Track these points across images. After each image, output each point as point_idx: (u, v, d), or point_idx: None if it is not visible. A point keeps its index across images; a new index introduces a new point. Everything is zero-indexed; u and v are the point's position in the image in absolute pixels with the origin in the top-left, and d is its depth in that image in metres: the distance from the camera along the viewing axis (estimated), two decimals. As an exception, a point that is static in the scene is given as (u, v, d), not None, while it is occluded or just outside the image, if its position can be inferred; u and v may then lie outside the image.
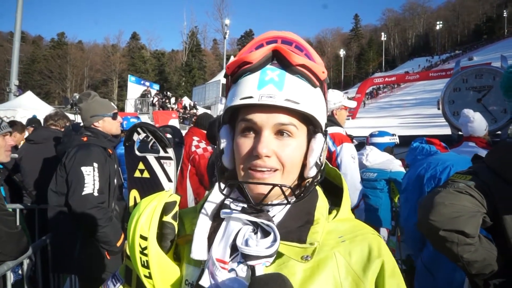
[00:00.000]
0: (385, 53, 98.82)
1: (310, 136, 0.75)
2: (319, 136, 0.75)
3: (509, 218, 1.27)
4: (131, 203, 0.91)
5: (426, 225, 1.31)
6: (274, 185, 0.69)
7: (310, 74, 0.71)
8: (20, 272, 2.39)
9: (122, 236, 2.49)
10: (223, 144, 0.77)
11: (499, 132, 5.27)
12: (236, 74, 0.73)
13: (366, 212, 4.12)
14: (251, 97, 0.69)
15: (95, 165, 2.41)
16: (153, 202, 0.75)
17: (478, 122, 3.16)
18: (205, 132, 3.69)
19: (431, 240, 1.37)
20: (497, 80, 5.44)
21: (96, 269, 2.46)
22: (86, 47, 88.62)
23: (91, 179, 2.35)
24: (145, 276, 0.73)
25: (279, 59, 0.71)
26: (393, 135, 4.49)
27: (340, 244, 0.73)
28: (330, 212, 0.80)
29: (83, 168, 2.36)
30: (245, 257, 0.68)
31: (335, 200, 0.83)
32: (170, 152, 0.85)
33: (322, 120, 0.74)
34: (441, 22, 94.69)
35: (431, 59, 79.25)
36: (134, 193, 0.92)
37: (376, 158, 4.17)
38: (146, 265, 0.72)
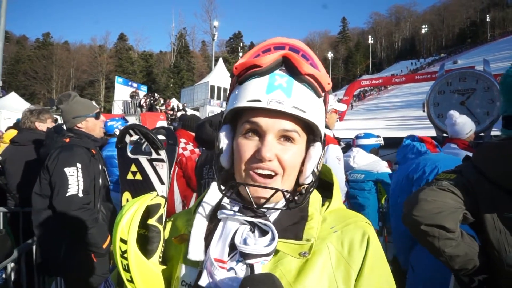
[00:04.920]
0: (372, 56, 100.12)
1: (309, 144, 0.77)
2: (318, 145, 0.77)
3: (489, 216, 1.32)
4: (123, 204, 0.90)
5: (409, 219, 1.39)
6: (276, 190, 0.70)
7: (316, 84, 0.73)
8: (3, 276, 2.35)
9: (109, 238, 2.46)
10: (222, 143, 0.78)
11: (482, 134, 5.38)
12: (243, 76, 0.73)
13: (354, 213, 4.17)
14: (259, 100, 0.70)
15: (79, 165, 2.37)
16: (134, 205, 0.74)
17: (460, 125, 3.21)
18: (193, 134, 3.66)
19: (414, 234, 1.44)
20: (480, 83, 5.56)
21: (82, 271, 2.43)
22: (72, 47, 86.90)
23: (75, 180, 2.31)
24: (128, 280, 0.72)
25: (288, 66, 0.72)
26: (378, 136, 4.55)
27: (332, 234, 0.75)
28: (323, 204, 0.82)
29: (66, 169, 2.32)
30: (244, 256, 0.69)
31: (327, 193, 0.85)
32: (162, 154, 0.85)
33: (322, 130, 0.76)
34: (426, 26, 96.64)
35: (417, 62, 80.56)
36: (126, 195, 0.92)
37: (363, 159, 4.23)
38: (127, 269, 0.71)
